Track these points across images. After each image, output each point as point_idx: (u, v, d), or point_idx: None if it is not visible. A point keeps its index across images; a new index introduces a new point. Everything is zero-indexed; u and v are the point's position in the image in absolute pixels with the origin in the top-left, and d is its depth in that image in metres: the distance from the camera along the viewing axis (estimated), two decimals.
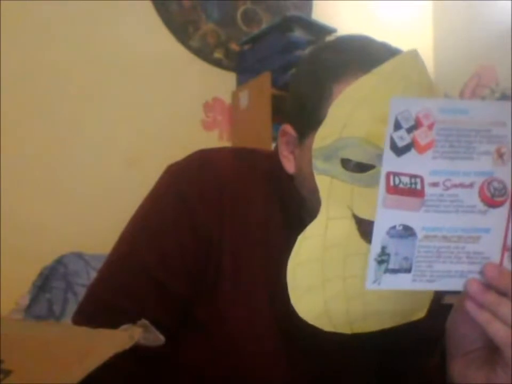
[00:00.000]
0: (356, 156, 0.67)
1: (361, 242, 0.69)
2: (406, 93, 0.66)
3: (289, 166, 0.78)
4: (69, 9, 2.06)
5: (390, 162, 0.58)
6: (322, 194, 0.68)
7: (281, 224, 0.79)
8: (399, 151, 0.58)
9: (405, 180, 0.59)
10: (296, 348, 0.79)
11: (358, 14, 2.69)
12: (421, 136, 0.58)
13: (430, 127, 0.58)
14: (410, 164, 0.58)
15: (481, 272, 0.62)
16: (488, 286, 0.61)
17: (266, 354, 0.79)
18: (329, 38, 2.25)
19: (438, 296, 0.79)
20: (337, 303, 0.70)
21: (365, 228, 0.68)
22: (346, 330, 0.71)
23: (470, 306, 0.62)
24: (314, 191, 0.69)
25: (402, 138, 0.57)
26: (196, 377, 0.78)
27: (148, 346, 0.46)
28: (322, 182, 0.68)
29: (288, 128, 0.77)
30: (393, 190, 0.59)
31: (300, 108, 0.76)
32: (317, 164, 0.68)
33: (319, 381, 0.81)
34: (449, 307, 0.80)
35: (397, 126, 0.57)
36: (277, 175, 0.80)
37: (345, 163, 0.68)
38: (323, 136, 0.67)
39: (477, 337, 0.67)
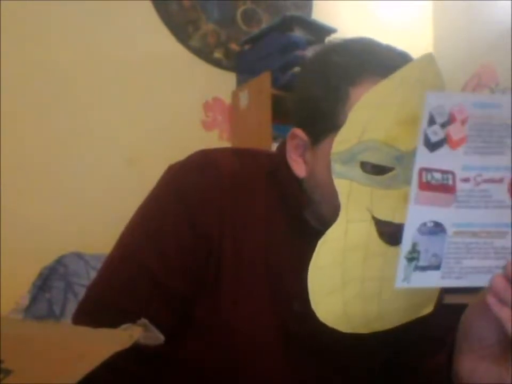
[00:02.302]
0: (376, 158, 0.67)
1: (380, 244, 0.69)
2: (421, 96, 0.66)
3: (300, 170, 0.77)
4: (69, 9, 2.06)
5: (423, 158, 0.58)
6: (342, 198, 0.68)
7: (282, 224, 0.79)
8: (432, 146, 0.58)
9: (437, 175, 0.59)
10: (298, 347, 0.79)
11: (358, 14, 2.69)
12: (454, 131, 0.57)
13: (464, 122, 0.57)
14: (443, 159, 0.58)
15: (504, 268, 0.62)
16: None
17: (267, 353, 0.79)
18: (330, 38, 2.25)
19: (440, 296, 0.80)
20: (355, 304, 0.70)
21: (383, 229, 0.69)
22: (363, 330, 0.72)
23: (491, 301, 0.62)
24: (329, 195, 0.70)
25: (436, 133, 0.57)
26: (196, 376, 0.78)
27: (147, 345, 0.46)
28: (341, 186, 0.68)
29: (298, 132, 0.76)
30: (426, 186, 0.59)
31: (312, 112, 0.75)
32: (336, 167, 0.68)
33: (321, 379, 0.81)
34: (449, 307, 0.80)
35: (431, 121, 0.57)
36: (278, 176, 0.80)
37: (364, 166, 0.68)
38: (342, 141, 0.68)
39: (491, 333, 0.68)
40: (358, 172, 0.68)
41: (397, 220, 0.68)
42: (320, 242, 0.68)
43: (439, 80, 0.68)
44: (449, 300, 0.86)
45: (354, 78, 0.71)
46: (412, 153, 0.66)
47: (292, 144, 0.77)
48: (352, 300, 0.70)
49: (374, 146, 0.67)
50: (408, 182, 0.67)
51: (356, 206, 0.68)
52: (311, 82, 0.77)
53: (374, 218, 0.69)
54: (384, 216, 0.68)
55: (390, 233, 0.69)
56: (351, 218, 0.68)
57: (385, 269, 0.69)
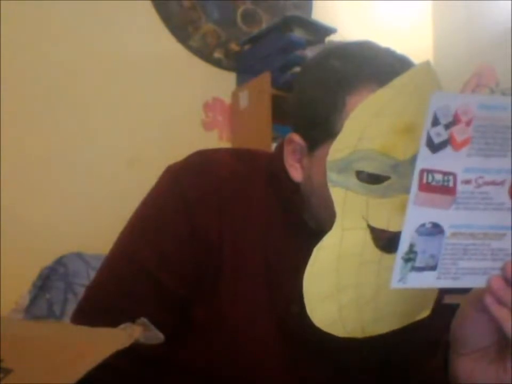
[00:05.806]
0: (371, 167, 0.67)
1: (375, 251, 0.70)
2: (418, 104, 0.65)
3: (296, 174, 0.77)
4: (69, 10, 2.06)
5: (424, 159, 0.57)
6: (338, 206, 0.68)
7: (281, 224, 0.79)
8: (435, 147, 0.57)
9: (438, 177, 0.58)
10: (297, 347, 0.79)
11: (358, 14, 2.69)
12: (458, 132, 0.56)
13: (468, 123, 0.56)
14: (445, 160, 0.57)
15: (502, 269, 0.62)
16: (510, 283, 0.62)
17: (266, 355, 0.79)
18: (330, 39, 2.25)
19: (439, 296, 0.80)
20: (351, 309, 0.71)
21: (379, 237, 0.69)
22: (359, 334, 0.72)
23: (489, 301, 0.62)
24: (325, 199, 0.70)
25: (439, 134, 0.56)
26: (195, 377, 0.78)
27: (147, 346, 0.46)
28: (337, 194, 0.68)
29: (295, 137, 0.76)
30: (426, 187, 0.58)
31: (310, 118, 0.75)
32: (332, 176, 0.68)
33: (321, 379, 0.81)
34: (448, 307, 0.80)
35: (435, 122, 0.56)
36: (277, 176, 0.80)
37: (360, 175, 0.68)
38: (338, 149, 0.68)
39: (486, 335, 0.68)
40: (353, 180, 0.68)
41: (392, 228, 0.68)
42: (315, 249, 0.68)
43: (437, 87, 0.68)
44: (448, 299, 0.86)
45: (351, 85, 0.71)
46: (408, 161, 0.66)
47: (288, 148, 0.77)
48: (347, 305, 0.70)
49: (369, 156, 0.67)
50: (403, 190, 0.67)
51: (352, 214, 0.68)
52: (309, 87, 0.77)
53: (369, 226, 0.69)
54: (379, 224, 0.68)
55: (385, 240, 0.69)
56: (347, 226, 0.69)
57: (380, 275, 0.69)
